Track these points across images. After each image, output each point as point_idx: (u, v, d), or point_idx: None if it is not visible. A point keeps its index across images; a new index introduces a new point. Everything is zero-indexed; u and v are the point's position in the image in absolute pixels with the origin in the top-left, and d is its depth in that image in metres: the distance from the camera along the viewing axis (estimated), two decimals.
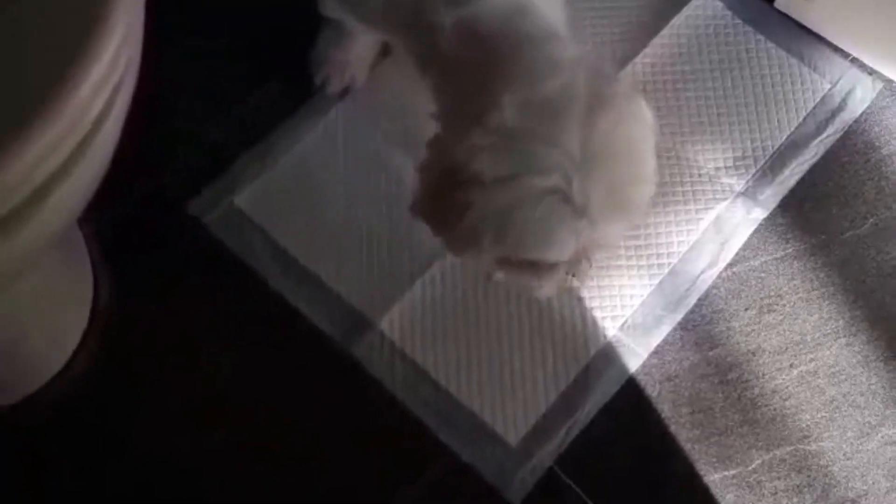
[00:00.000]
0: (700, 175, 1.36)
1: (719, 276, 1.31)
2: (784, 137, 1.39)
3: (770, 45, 1.44)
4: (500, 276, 1.06)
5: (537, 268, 1.03)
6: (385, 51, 1.36)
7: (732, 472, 1.21)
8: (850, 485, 1.21)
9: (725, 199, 1.35)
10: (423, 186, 1.03)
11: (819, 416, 1.25)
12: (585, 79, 0.95)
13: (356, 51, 1.32)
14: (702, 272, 1.31)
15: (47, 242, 0.87)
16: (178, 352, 1.23)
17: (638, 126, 0.98)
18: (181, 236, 1.27)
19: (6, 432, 1.16)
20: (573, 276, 1.04)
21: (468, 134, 0.94)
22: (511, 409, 1.22)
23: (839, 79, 1.42)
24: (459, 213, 0.96)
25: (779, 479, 1.21)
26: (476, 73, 0.98)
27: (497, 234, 0.96)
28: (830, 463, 1.22)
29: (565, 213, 0.94)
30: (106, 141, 0.82)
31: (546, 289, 1.06)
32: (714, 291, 1.30)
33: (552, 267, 1.03)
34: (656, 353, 1.27)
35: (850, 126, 1.40)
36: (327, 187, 1.32)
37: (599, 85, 0.96)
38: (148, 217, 1.28)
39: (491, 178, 0.93)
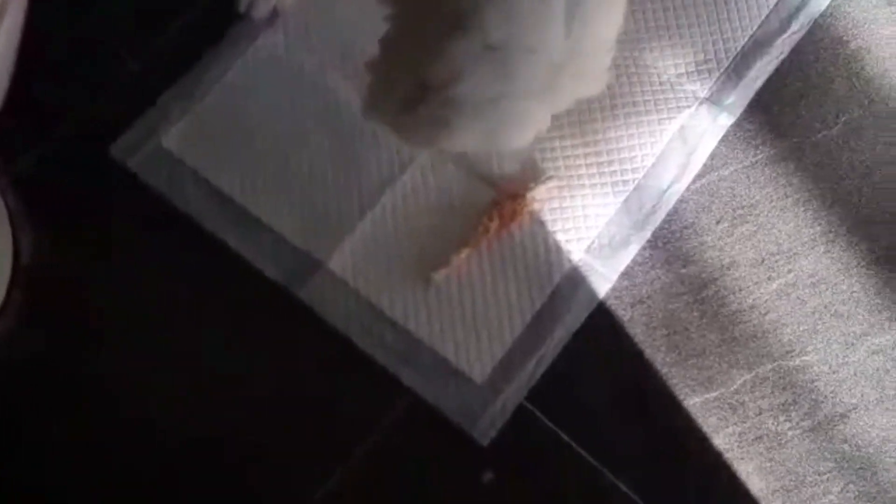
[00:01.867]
0: (661, 83, 1.28)
1: (688, 189, 1.23)
2: (747, 37, 1.30)
3: None
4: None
5: None
6: None
7: (714, 394, 1.15)
8: (837, 399, 1.15)
9: (689, 106, 1.26)
10: (378, 87, 0.95)
11: (801, 329, 1.18)
12: None
13: None
14: (669, 186, 1.23)
15: None
16: (110, 306, 1.15)
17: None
18: (105, 181, 1.18)
19: None
20: None
21: (444, 40, 0.86)
22: (475, 344, 1.15)
23: None
24: (437, 126, 0.90)
25: (763, 398, 1.15)
26: None
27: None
28: (816, 377, 1.16)
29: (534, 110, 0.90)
30: None
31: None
32: (683, 205, 1.23)
33: None
34: (626, 274, 1.20)
35: (816, 21, 1.31)
36: (262, 120, 1.22)
37: None
38: (68, 162, 1.18)
39: (478, 99, 0.87)
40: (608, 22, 0.91)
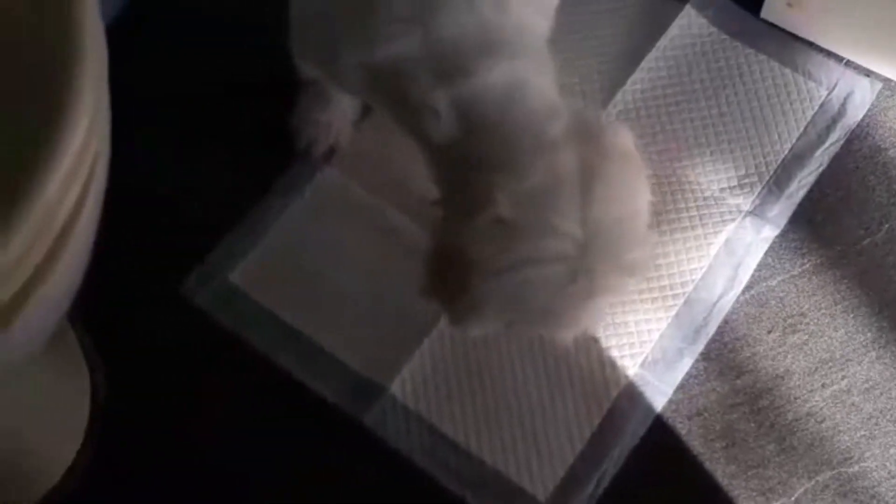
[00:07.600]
0: (705, 198, 1.31)
1: (737, 301, 1.26)
2: (787, 150, 1.34)
3: (761, 57, 1.40)
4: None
5: None
6: (369, 107, 1.32)
7: None
8: None
9: (734, 220, 1.30)
10: (428, 271, 1.00)
11: (858, 435, 1.19)
12: (576, 147, 0.93)
13: (339, 111, 1.28)
14: (718, 298, 1.26)
15: (33, 345, 0.82)
16: (184, 439, 1.18)
17: (632, 177, 0.96)
18: (175, 319, 1.22)
19: None
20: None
21: (465, 223, 0.92)
22: (537, 463, 1.17)
23: (835, 84, 1.38)
24: (460, 289, 0.94)
25: None
26: (467, 161, 0.95)
27: (503, 313, 0.97)
28: (876, 483, 1.17)
29: (574, 294, 0.93)
30: (82, 238, 0.78)
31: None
32: (733, 317, 1.25)
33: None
34: (681, 387, 1.21)
35: (853, 131, 1.35)
36: (322, 253, 1.27)
37: (590, 150, 0.93)
38: (139, 301, 1.23)
39: (493, 269, 0.91)
40: (629, 203, 0.95)
